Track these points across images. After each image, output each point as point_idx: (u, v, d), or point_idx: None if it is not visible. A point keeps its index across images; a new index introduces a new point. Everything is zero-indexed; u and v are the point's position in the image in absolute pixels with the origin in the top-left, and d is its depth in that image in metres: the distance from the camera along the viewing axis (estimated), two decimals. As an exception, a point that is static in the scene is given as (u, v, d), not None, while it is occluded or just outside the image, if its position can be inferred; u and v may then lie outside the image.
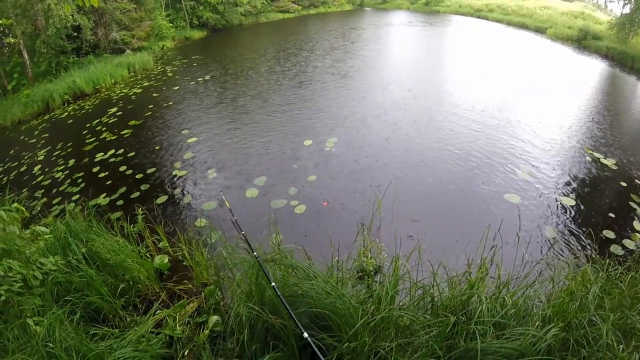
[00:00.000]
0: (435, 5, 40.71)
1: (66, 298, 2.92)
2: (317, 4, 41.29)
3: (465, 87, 12.05)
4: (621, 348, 2.11)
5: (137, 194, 6.40)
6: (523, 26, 27.53)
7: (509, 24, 29.06)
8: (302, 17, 36.91)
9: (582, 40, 21.43)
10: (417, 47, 20.07)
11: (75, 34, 17.25)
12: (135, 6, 20.28)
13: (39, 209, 6.15)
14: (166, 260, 4.06)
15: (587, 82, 14.44)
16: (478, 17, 33.28)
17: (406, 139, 7.95)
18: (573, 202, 5.92)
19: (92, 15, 17.57)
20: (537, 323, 2.32)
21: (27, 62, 15.98)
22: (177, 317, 3.14)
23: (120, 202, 6.16)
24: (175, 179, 6.90)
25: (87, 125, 10.19)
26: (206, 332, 2.95)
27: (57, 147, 9.14)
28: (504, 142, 7.85)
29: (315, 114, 9.74)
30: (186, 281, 3.60)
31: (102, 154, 8.17)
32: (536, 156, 7.34)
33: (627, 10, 20.58)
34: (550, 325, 2.22)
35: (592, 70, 16.68)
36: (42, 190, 7.13)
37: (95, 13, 17.64)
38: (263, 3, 33.97)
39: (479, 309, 2.34)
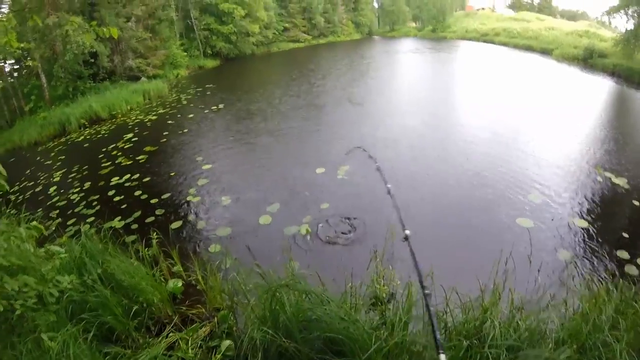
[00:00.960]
0: (442, 31, 41.62)
1: (81, 316, 2.97)
2: (326, 33, 42.72)
3: (476, 112, 12.17)
4: (636, 368, 2.08)
5: (151, 218, 6.50)
6: (529, 48, 27.76)
7: (515, 47, 29.38)
8: (312, 46, 37.90)
9: (588, 59, 21.47)
10: (426, 74, 20.44)
11: (92, 60, 17.87)
12: (151, 35, 21.08)
13: (53, 229, 6.27)
14: (180, 284, 4.11)
15: (595, 101, 14.42)
16: (484, 41, 33.80)
17: (418, 164, 7.98)
18: (586, 224, 5.85)
19: (109, 42, 18.24)
20: (550, 346, 2.30)
21: (44, 85, 16.58)
22: (190, 340, 3.16)
23: (134, 226, 6.26)
24: (189, 204, 7.00)
25: (103, 150, 10.46)
26: (218, 356, 2.96)
27: (73, 170, 9.38)
28: (515, 165, 7.84)
29: (328, 141, 9.89)
30: (199, 305, 3.64)
31: (118, 178, 8.35)
32: (547, 178, 7.30)
33: (630, 26, 20.60)
34: (564, 347, 2.20)
35: (599, 89, 16.67)
36: (57, 211, 7.28)
37: (112, 41, 18.31)
38: (274, 33, 35.11)
39: (492, 334, 2.34)
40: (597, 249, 5.28)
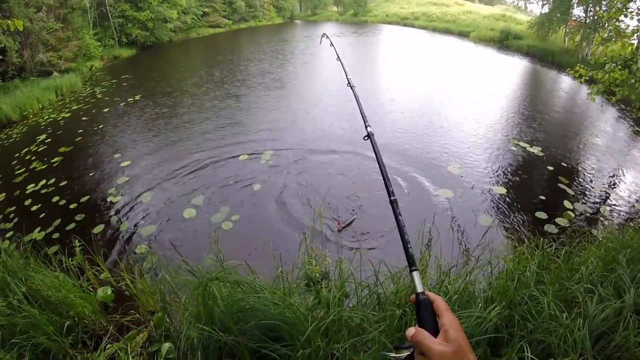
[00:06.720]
0: (363, 15, 42.56)
1: (12, 341, 2.70)
2: (247, 17, 41.31)
3: (399, 92, 12.71)
4: (564, 316, 2.21)
5: (72, 225, 5.99)
6: (447, 31, 29.35)
7: (434, 30, 30.92)
8: (233, 31, 36.66)
9: (504, 41, 23.12)
10: (350, 57, 20.65)
11: (1, 57, 16.02)
12: (62, 25, 19.18)
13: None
14: (109, 291, 3.84)
15: (510, 79, 15.61)
16: (404, 25, 35.23)
17: (343, 145, 8.08)
18: (505, 190, 6.35)
19: (18, 36, 16.39)
20: (480, 305, 2.40)
21: (-52, 91, 14.50)
22: (129, 349, 2.98)
23: (56, 235, 5.74)
24: (110, 205, 6.56)
25: (16, 155, 9.41)
26: (161, 360, 2.83)
27: (-16, 181, 8.35)
28: (437, 141, 8.31)
29: (250, 127, 9.75)
30: (133, 311, 3.43)
31: (34, 185, 7.58)
32: (467, 152, 7.81)
33: (546, 9, 22.38)
34: (493, 305, 2.31)
35: (515, 68, 18.04)
36: (-28, 231, 6.48)
37: (21, 34, 16.47)
38: (193, 19, 33.31)
39: (423, 299, 2.42)
40: (517, 212, 5.75)
